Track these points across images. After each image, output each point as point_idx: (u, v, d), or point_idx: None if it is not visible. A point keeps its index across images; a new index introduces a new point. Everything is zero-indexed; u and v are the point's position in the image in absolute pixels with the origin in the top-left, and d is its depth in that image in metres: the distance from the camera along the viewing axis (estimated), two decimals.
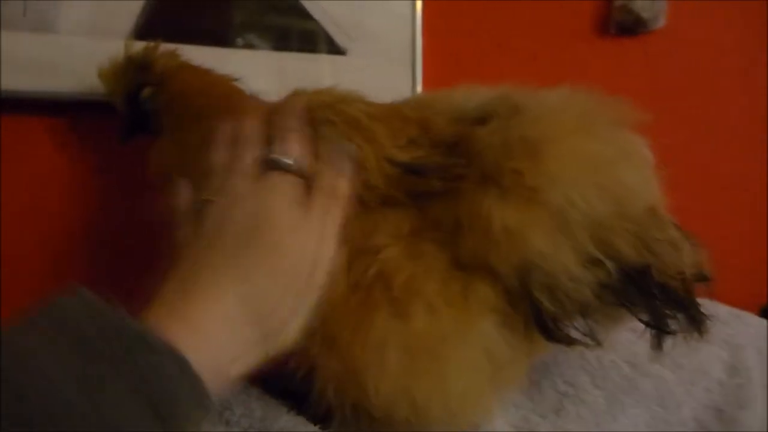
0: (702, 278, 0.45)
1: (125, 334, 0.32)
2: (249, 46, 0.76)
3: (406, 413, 0.43)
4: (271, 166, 0.43)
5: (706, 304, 0.45)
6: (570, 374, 0.57)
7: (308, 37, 0.77)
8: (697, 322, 0.43)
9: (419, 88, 0.83)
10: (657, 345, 0.43)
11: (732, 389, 0.57)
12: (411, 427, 0.44)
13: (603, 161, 0.45)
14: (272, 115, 0.46)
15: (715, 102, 1.04)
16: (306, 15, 0.77)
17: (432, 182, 0.45)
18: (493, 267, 0.43)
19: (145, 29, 0.71)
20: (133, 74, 0.62)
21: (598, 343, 0.44)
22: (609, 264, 0.42)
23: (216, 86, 0.60)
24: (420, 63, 0.83)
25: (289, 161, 0.43)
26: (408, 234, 0.45)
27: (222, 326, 0.37)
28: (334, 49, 0.78)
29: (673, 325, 0.43)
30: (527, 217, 0.42)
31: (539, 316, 0.42)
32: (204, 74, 0.62)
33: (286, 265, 0.40)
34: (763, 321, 0.72)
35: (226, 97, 0.58)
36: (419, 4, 0.82)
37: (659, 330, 0.43)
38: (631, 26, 0.96)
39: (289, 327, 0.41)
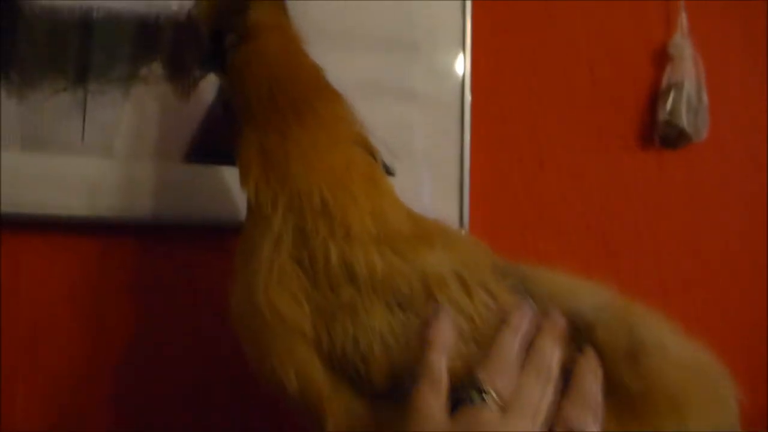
0: None
1: None
2: None
3: None
4: None
5: None
6: None
7: None
8: None
9: (467, 208, 0.80)
10: None
11: None
12: None
13: None
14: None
15: (759, 214, 1.02)
16: None
17: None
18: None
19: (195, 152, 0.69)
20: (226, 15, 0.57)
21: None
22: None
23: (300, 69, 0.56)
24: (468, 182, 0.80)
25: None
26: None
27: None
28: (385, 170, 0.74)
29: None
30: None
31: None
32: (294, 53, 0.57)
33: None
34: None
35: (307, 86, 0.55)
36: (467, 125, 0.80)
37: None
38: (675, 140, 0.95)
39: None
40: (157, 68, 0.69)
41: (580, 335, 0.46)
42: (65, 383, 0.69)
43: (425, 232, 0.52)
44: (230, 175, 0.70)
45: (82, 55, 0.67)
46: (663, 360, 0.45)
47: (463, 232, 0.77)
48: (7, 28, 0.65)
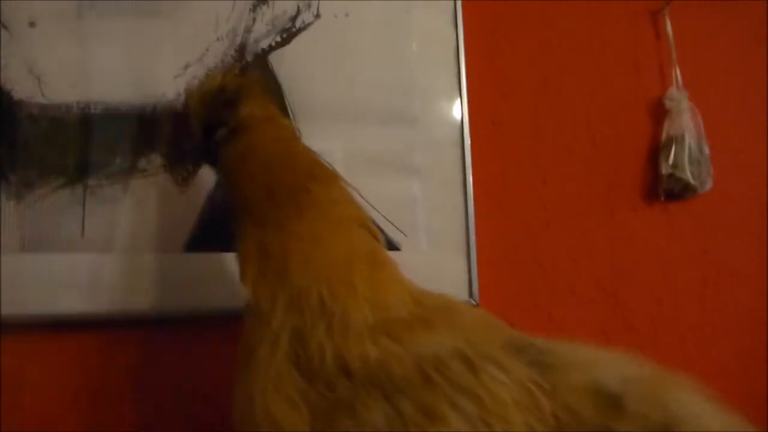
0: None
1: None
2: None
3: None
4: None
5: None
6: None
7: None
8: None
9: (475, 277, 0.78)
10: None
11: None
12: None
13: None
14: None
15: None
16: None
17: None
18: None
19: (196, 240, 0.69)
20: (217, 106, 0.58)
21: None
22: None
23: (294, 158, 0.56)
24: (474, 251, 0.79)
25: None
26: None
27: None
28: (389, 246, 0.74)
29: None
30: None
31: None
32: (286, 142, 0.57)
33: None
34: None
35: (302, 173, 0.54)
36: (470, 193, 0.80)
37: None
38: (680, 193, 0.94)
39: None
40: (155, 159, 0.69)
41: (605, 409, 0.44)
42: None
43: (426, 313, 0.51)
44: (233, 261, 0.69)
45: (80, 152, 0.67)
46: None
47: (474, 308, 0.75)
48: (2, 130, 0.65)
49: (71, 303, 0.65)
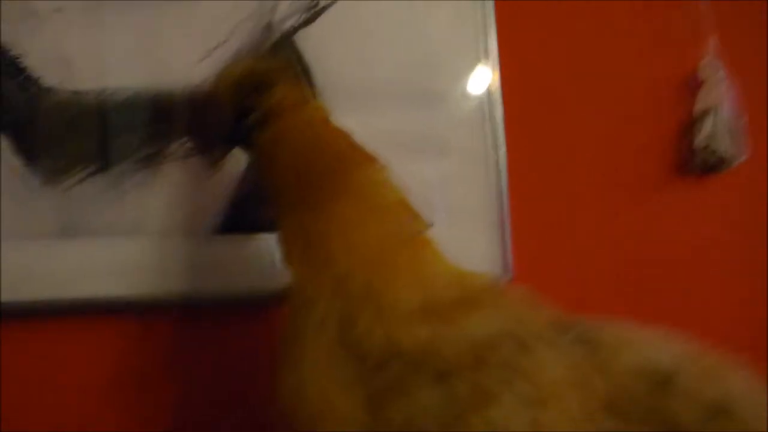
0: None
1: None
2: None
3: None
4: None
5: None
6: None
7: None
8: None
9: (510, 256, 0.78)
10: None
11: None
12: None
13: None
14: None
15: None
16: None
17: None
18: None
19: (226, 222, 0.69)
20: (248, 92, 0.58)
21: None
22: None
23: (330, 140, 0.55)
24: (509, 229, 0.78)
25: None
26: None
27: None
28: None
29: None
30: None
31: None
32: (321, 125, 0.57)
33: None
34: None
35: (340, 156, 0.54)
36: (503, 170, 0.79)
37: None
38: (714, 165, 0.92)
39: None
40: (184, 143, 0.69)
41: (658, 387, 0.44)
42: None
43: (472, 294, 0.51)
44: (263, 241, 0.69)
45: (110, 137, 0.67)
46: (754, 416, 0.43)
47: (517, 288, 0.75)
48: (33, 120, 0.66)
49: (108, 287, 0.66)
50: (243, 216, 0.70)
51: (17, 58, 0.67)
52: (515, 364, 0.44)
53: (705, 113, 0.91)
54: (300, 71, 0.73)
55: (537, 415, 0.42)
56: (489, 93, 0.80)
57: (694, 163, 0.92)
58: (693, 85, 0.93)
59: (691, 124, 0.92)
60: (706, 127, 0.89)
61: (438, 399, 0.43)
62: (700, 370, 0.44)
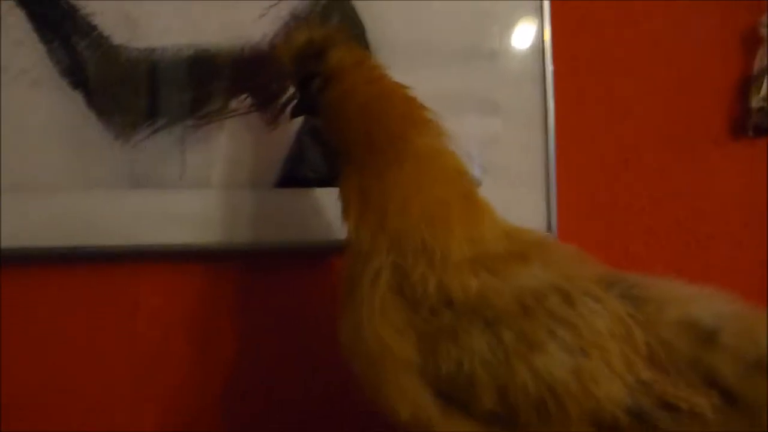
0: None
1: None
2: None
3: None
4: None
5: None
6: None
7: None
8: None
9: (554, 215, 0.79)
10: None
11: None
12: None
13: None
14: None
15: None
16: None
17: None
18: None
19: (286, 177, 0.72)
20: (308, 59, 0.60)
21: None
22: None
23: (390, 100, 0.58)
24: (554, 189, 0.80)
25: None
26: None
27: None
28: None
29: None
30: None
31: None
32: (382, 87, 0.59)
33: None
34: None
35: (400, 118, 0.56)
36: (551, 131, 0.79)
37: None
38: None
39: None
40: (246, 99, 0.72)
41: (700, 343, 0.45)
42: (179, 402, 0.73)
43: (521, 248, 0.53)
44: (321, 196, 0.72)
45: (176, 93, 0.71)
46: None
47: (565, 244, 0.77)
48: (105, 77, 0.70)
49: (174, 235, 0.70)
50: (300, 170, 0.73)
51: (89, 17, 0.70)
52: (560, 314, 0.46)
53: (763, 72, 0.88)
54: (354, 30, 0.74)
55: (579, 363, 0.45)
56: (540, 51, 0.80)
57: (749, 125, 0.90)
58: (752, 43, 0.90)
59: (748, 84, 0.90)
60: (764, 88, 0.87)
61: (485, 345, 0.46)
62: (743, 329, 0.45)
